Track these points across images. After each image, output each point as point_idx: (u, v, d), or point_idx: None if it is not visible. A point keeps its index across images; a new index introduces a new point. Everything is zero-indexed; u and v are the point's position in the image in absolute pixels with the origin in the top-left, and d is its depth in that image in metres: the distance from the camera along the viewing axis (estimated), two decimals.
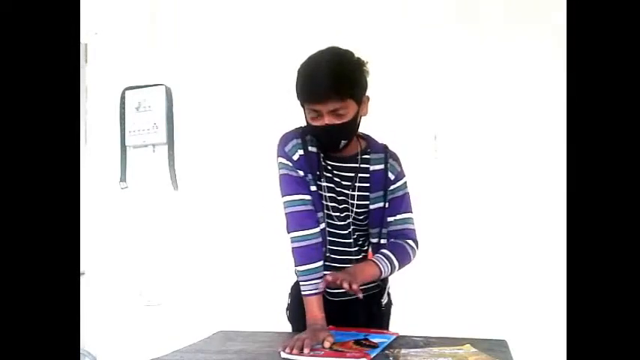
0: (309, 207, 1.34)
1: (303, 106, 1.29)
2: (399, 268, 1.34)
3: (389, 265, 1.31)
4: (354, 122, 1.29)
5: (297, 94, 1.28)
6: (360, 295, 1.18)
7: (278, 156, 1.37)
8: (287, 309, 1.50)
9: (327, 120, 1.24)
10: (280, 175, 1.36)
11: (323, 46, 1.29)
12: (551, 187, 2.21)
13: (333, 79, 1.21)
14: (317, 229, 1.34)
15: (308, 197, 1.34)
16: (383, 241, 1.39)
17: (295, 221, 1.34)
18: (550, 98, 2.24)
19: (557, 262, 2.14)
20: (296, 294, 1.42)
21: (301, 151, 1.35)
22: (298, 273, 1.34)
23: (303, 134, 1.36)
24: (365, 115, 1.33)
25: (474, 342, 1.18)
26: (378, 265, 1.30)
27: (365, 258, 1.43)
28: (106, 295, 2.76)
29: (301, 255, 1.33)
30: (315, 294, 1.31)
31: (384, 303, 1.47)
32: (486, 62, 2.34)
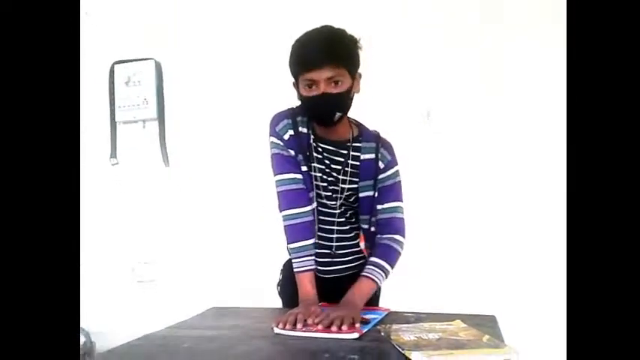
0: (301, 186, 1.34)
1: (297, 79, 1.28)
2: (392, 269, 1.35)
3: (382, 272, 1.32)
4: (349, 95, 1.28)
5: (291, 66, 1.27)
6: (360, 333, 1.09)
7: (269, 135, 1.36)
8: (278, 285, 1.52)
9: (324, 88, 1.22)
10: (272, 154, 1.36)
11: (316, 22, 1.28)
12: (546, 163, 2.23)
13: (329, 46, 1.22)
14: (309, 208, 1.34)
15: (299, 176, 1.34)
16: (373, 228, 1.39)
17: (287, 200, 1.34)
18: (545, 75, 2.24)
19: (548, 240, 2.19)
20: (288, 271, 1.43)
21: (292, 131, 1.34)
22: (290, 250, 1.35)
23: (294, 115, 1.35)
24: (357, 92, 1.32)
25: (463, 318, 1.19)
26: (372, 279, 1.30)
27: (357, 236, 1.45)
28: (99, 272, 2.77)
29: (293, 233, 1.33)
30: (307, 271, 1.32)
31: None
32: (480, 37, 2.33)
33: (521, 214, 2.28)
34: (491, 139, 2.33)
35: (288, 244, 1.35)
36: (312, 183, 1.36)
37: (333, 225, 1.41)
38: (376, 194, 1.37)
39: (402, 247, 1.37)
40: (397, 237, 1.37)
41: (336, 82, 1.23)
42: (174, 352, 1.00)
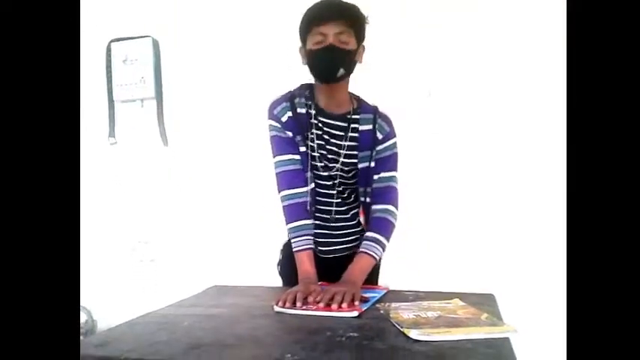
0: (299, 166, 1.35)
1: (305, 39, 1.29)
2: (388, 242, 1.37)
3: (379, 247, 1.33)
4: (353, 57, 1.29)
5: (302, 25, 1.29)
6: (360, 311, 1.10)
7: (268, 119, 1.37)
8: (278, 264, 1.53)
9: (332, 40, 1.24)
10: (270, 136, 1.38)
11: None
12: (546, 145, 2.22)
13: (340, 5, 1.26)
14: (306, 188, 1.35)
15: (297, 157, 1.35)
16: (369, 199, 1.40)
17: (285, 180, 1.35)
18: (546, 54, 2.21)
19: (547, 217, 2.19)
20: (287, 251, 1.44)
21: (290, 113, 1.35)
22: (289, 230, 1.36)
23: (292, 97, 1.36)
24: (360, 62, 1.34)
25: (462, 296, 1.20)
26: (370, 254, 1.32)
27: (356, 215, 1.45)
28: (100, 252, 2.78)
29: (291, 213, 1.35)
30: (306, 250, 1.33)
31: None
32: (482, 17, 2.29)
33: (521, 193, 2.28)
34: (491, 118, 2.32)
35: (287, 224, 1.36)
36: (310, 164, 1.36)
37: (332, 206, 1.41)
38: (373, 164, 1.38)
39: (395, 219, 1.39)
40: (390, 207, 1.38)
41: (344, 40, 1.25)
42: (174, 330, 1.00)
